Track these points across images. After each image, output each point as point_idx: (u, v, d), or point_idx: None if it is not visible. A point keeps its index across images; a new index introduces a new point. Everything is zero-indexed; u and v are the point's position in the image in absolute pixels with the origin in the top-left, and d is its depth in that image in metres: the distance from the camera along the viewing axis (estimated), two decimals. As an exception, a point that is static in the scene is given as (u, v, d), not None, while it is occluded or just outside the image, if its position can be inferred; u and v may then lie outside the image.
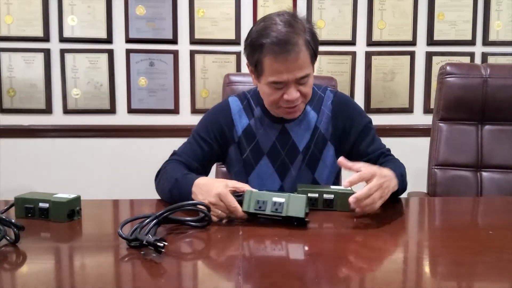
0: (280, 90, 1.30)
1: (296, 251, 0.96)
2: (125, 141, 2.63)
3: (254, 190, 1.10)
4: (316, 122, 1.42)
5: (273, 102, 1.33)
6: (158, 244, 0.87)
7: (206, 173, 1.45)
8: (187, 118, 2.62)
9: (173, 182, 1.25)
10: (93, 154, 2.62)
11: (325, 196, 1.17)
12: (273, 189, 1.37)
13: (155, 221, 0.98)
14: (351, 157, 1.47)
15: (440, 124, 1.80)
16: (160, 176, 1.35)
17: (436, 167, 1.79)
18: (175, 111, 2.63)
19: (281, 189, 1.41)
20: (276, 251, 0.95)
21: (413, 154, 2.61)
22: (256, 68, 1.31)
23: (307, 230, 1.05)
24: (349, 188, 1.15)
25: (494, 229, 1.10)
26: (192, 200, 1.14)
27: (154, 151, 2.57)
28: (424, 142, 2.62)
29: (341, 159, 1.15)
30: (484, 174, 1.77)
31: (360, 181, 1.10)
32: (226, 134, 1.43)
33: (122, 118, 2.62)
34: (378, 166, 1.17)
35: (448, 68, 1.78)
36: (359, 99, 2.67)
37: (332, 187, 1.23)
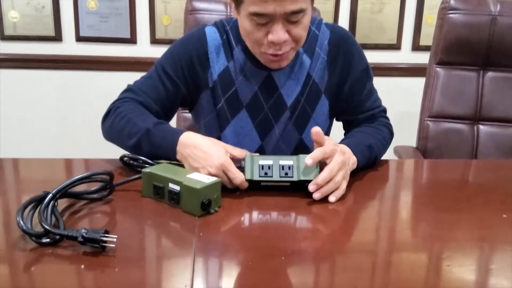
0: (264, 27, 0.99)
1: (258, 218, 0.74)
2: (73, 74, 2.33)
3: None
4: (309, 69, 1.13)
5: (254, 43, 1.03)
6: (106, 239, 0.67)
7: (167, 119, 1.15)
8: (145, 49, 2.31)
9: (142, 133, 0.99)
10: (36, 89, 2.32)
11: (282, 162, 0.92)
12: (251, 149, 1.12)
13: (52, 202, 0.75)
14: (343, 115, 1.22)
15: (437, 68, 1.57)
16: (112, 119, 1.06)
17: (429, 119, 1.57)
18: (132, 40, 2.30)
19: (261, 150, 1.17)
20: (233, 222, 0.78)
21: (400, 95, 2.39)
22: None
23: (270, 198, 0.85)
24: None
25: (509, 211, 0.90)
26: (173, 158, 0.95)
27: (107, 86, 2.28)
28: (410, 83, 2.40)
29: (317, 130, 0.91)
30: (482, 127, 1.57)
31: (323, 157, 0.90)
32: (199, 75, 1.13)
33: (69, 47, 2.30)
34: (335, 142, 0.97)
35: (452, 1, 1.51)
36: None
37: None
